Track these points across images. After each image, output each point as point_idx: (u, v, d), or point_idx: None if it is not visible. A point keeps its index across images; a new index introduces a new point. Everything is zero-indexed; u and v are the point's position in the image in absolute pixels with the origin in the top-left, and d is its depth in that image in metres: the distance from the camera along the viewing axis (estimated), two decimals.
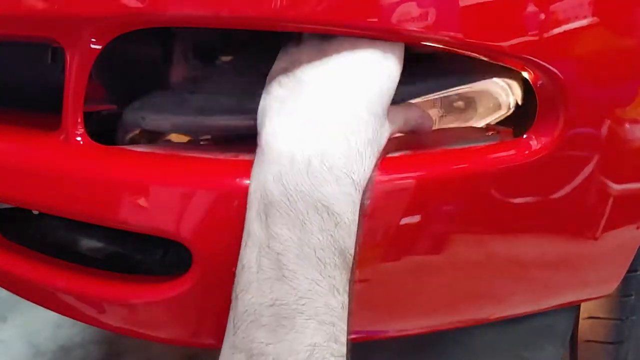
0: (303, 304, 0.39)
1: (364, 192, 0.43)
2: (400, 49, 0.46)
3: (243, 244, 0.42)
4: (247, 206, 0.43)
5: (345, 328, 0.41)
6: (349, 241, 0.41)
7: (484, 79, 0.54)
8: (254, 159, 0.46)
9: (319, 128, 0.42)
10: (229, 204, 0.45)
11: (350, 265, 0.42)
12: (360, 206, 0.43)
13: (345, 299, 0.41)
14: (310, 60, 0.45)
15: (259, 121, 0.45)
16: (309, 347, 0.38)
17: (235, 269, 0.42)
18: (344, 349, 0.40)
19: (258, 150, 0.44)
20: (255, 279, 0.40)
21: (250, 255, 0.41)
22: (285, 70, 0.46)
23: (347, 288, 0.41)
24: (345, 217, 0.41)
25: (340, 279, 0.41)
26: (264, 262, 0.40)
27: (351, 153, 0.42)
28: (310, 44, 0.46)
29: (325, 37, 0.46)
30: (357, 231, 0.42)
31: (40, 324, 1.31)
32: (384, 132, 0.46)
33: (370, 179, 0.44)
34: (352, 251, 0.41)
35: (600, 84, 0.51)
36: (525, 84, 0.54)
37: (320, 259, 0.40)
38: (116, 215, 0.48)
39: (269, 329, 0.39)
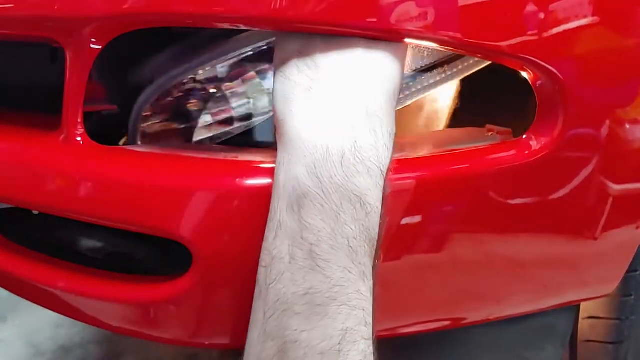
0: (336, 292, 0.40)
1: (385, 181, 0.44)
2: (406, 46, 0.48)
3: (271, 235, 0.42)
4: (274, 198, 0.43)
5: (372, 311, 0.42)
6: (377, 229, 0.43)
7: None
8: (254, 159, 0.46)
9: (349, 120, 0.43)
10: (229, 203, 0.45)
11: (376, 251, 0.43)
12: (383, 193, 0.44)
13: (371, 283, 0.42)
14: (327, 45, 0.45)
15: (279, 107, 0.45)
16: (341, 332, 0.40)
17: (260, 260, 0.43)
18: (372, 331, 0.42)
19: (283, 140, 0.44)
20: (288, 269, 0.41)
21: (281, 247, 0.41)
22: (300, 54, 0.45)
23: (372, 273, 0.43)
24: (375, 207, 0.42)
25: (369, 266, 0.42)
26: (297, 252, 0.40)
27: (379, 144, 0.43)
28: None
29: None
30: (381, 217, 0.43)
31: (40, 323, 1.31)
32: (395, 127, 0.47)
33: (388, 168, 0.45)
34: (377, 238, 0.43)
35: (600, 84, 0.51)
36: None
37: (352, 248, 0.41)
38: (116, 215, 0.48)
39: (302, 317, 0.40)
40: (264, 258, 0.42)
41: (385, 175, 0.44)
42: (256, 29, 0.50)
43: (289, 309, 0.40)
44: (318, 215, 0.41)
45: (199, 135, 0.58)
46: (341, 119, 0.43)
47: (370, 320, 0.42)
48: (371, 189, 0.42)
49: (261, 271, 0.42)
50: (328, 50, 0.45)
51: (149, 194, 0.47)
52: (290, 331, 0.40)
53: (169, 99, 0.56)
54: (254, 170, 0.45)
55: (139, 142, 0.56)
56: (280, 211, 0.42)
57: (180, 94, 0.56)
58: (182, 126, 0.58)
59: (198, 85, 0.56)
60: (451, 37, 0.45)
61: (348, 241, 0.41)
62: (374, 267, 0.43)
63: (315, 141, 0.42)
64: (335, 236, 0.40)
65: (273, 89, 0.46)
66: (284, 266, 0.41)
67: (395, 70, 0.46)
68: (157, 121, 0.57)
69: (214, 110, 0.57)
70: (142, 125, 0.56)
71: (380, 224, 0.43)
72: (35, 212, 0.63)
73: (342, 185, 0.41)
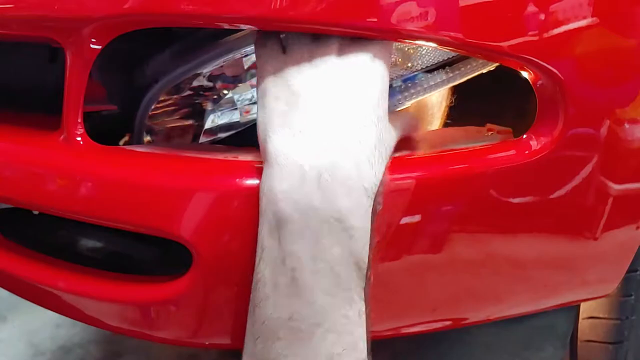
0: (320, 318, 0.39)
1: (376, 197, 0.43)
2: (389, 48, 0.46)
3: (257, 257, 0.42)
4: (259, 221, 0.42)
5: (364, 333, 0.41)
6: (363, 251, 0.41)
7: None
8: (253, 159, 0.46)
9: (325, 140, 0.41)
10: (229, 204, 0.45)
11: (365, 272, 0.41)
12: (373, 211, 0.42)
13: (361, 306, 0.41)
14: (300, 65, 0.44)
15: (261, 136, 0.44)
16: (326, 357, 0.39)
17: (253, 278, 0.42)
18: (364, 354, 0.41)
19: (265, 165, 0.43)
20: (272, 294, 0.40)
21: (264, 271, 0.41)
22: (275, 78, 0.44)
23: (362, 295, 0.41)
24: (360, 228, 0.40)
25: (356, 288, 0.40)
26: (279, 278, 0.40)
27: (360, 161, 0.41)
28: (297, 48, 0.45)
29: (314, 38, 0.45)
30: (370, 236, 0.42)
31: (39, 323, 1.31)
32: (390, 135, 0.45)
33: (381, 183, 0.43)
34: (366, 259, 0.41)
35: (600, 84, 0.51)
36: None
37: (336, 273, 0.39)
38: (116, 215, 0.48)
39: (286, 342, 0.39)
40: (254, 279, 0.42)
41: (373, 191, 0.42)
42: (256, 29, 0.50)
43: (274, 333, 0.39)
44: (298, 241, 0.40)
45: (206, 134, 0.57)
46: (316, 140, 0.41)
47: (362, 343, 0.41)
48: (354, 210, 0.40)
49: (252, 291, 0.42)
50: (300, 70, 0.43)
51: (148, 194, 0.47)
52: (275, 355, 0.39)
53: (179, 96, 0.56)
54: (254, 170, 0.45)
55: (147, 139, 0.56)
56: (263, 236, 0.41)
57: (190, 92, 0.56)
58: (191, 123, 0.58)
59: (207, 83, 0.56)
60: (452, 38, 0.45)
61: (330, 266, 0.39)
62: (366, 288, 0.42)
63: (292, 164, 0.40)
64: (316, 261, 0.39)
65: (257, 117, 0.45)
66: (268, 290, 0.40)
67: (377, 73, 0.44)
68: (166, 118, 0.57)
69: (221, 110, 0.57)
70: (151, 122, 0.56)
71: (370, 243, 0.42)
72: (35, 212, 0.63)
73: (321, 209, 0.39)
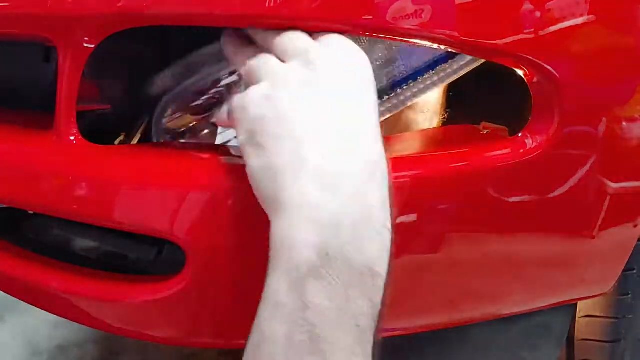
0: None
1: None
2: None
3: (265, 312, 0.37)
4: (271, 273, 0.37)
5: None
6: (381, 298, 0.37)
7: None
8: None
9: (351, 182, 0.37)
10: (224, 203, 0.45)
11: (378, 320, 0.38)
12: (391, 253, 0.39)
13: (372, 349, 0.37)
14: (275, 125, 0.39)
15: (265, 185, 0.39)
16: None
17: (250, 334, 0.37)
18: None
19: (280, 208, 0.38)
20: (282, 352, 0.35)
21: (275, 327, 0.36)
22: (250, 139, 0.40)
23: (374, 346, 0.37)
24: (384, 275, 0.37)
25: (372, 343, 0.37)
26: (295, 334, 0.35)
27: (384, 198, 0.38)
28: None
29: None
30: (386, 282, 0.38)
31: (37, 323, 1.31)
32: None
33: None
34: (380, 307, 0.37)
35: (596, 82, 0.51)
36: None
37: (360, 327, 0.36)
38: (110, 215, 0.48)
39: None
40: (254, 335, 0.37)
41: (392, 232, 0.38)
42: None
43: None
44: (325, 294, 0.35)
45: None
46: (346, 178, 0.37)
47: None
48: (382, 256, 0.37)
49: (249, 348, 0.37)
50: (269, 133, 0.38)
51: (142, 194, 0.47)
52: None
53: (196, 98, 0.55)
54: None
55: (162, 139, 0.54)
56: (279, 291, 0.36)
57: (211, 95, 0.55)
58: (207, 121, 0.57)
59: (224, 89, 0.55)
60: (448, 36, 0.45)
61: (356, 320, 0.36)
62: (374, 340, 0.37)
63: (323, 211, 0.36)
64: (342, 316, 0.35)
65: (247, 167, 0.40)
66: (278, 348, 0.35)
67: (371, 96, 0.40)
68: (182, 117, 0.56)
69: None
70: (167, 121, 0.55)
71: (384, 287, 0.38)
72: (29, 212, 0.63)
73: (354, 259, 0.36)
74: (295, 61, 0.41)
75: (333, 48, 0.41)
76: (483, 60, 0.53)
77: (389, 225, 0.38)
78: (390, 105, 0.55)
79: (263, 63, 0.42)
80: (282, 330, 0.36)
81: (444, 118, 0.60)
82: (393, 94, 0.55)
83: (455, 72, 0.54)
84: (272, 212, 0.39)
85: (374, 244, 0.37)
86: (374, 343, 0.37)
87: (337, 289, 0.35)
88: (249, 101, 0.40)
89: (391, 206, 0.39)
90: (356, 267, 0.36)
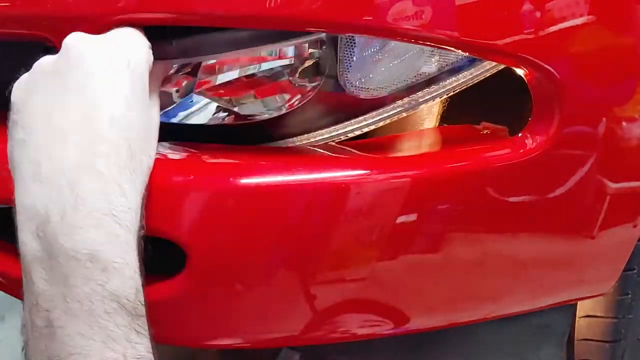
0: None
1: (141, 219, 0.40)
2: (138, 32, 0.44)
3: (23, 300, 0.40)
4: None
5: None
6: (124, 285, 0.38)
7: None
8: (250, 160, 0.46)
9: (63, 170, 0.38)
10: (223, 203, 0.45)
11: (139, 308, 0.38)
12: (138, 239, 0.39)
13: (129, 347, 0.37)
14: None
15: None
16: None
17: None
18: None
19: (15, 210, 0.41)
20: (31, 337, 0.38)
21: (25, 312, 0.39)
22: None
23: (131, 336, 0.37)
24: (117, 261, 0.38)
25: (119, 328, 0.37)
26: (36, 320, 0.38)
27: (109, 186, 0.38)
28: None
29: None
30: (139, 268, 0.39)
31: None
32: (149, 132, 0.43)
33: (143, 203, 0.41)
34: (132, 295, 0.38)
35: (596, 82, 0.51)
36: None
37: (89, 312, 0.37)
38: None
39: None
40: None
41: (129, 219, 0.39)
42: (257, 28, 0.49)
43: None
44: (48, 280, 0.37)
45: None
46: (54, 173, 0.38)
47: None
48: (105, 243, 0.37)
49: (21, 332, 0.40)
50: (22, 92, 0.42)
51: None
52: None
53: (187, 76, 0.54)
54: (247, 169, 0.45)
55: None
56: (23, 277, 0.39)
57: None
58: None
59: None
60: (448, 36, 0.45)
61: (82, 304, 0.36)
62: (140, 325, 0.38)
63: (36, 205, 0.38)
64: (66, 300, 0.37)
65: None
66: (28, 333, 0.38)
67: (120, 66, 0.41)
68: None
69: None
70: None
71: (140, 274, 0.38)
72: None
73: (65, 245, 0.37)
74: (57, 55, 0.43)
75: (97, 43, 0.42)
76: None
77: (119, 213, 0.38)
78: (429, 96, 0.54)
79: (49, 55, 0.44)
80: (27, 314, 0.38)
81: (444, 116, 0.60)
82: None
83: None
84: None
85: (89, 231, 0.37)
86: (137, 330, 0.38)
87: (57, 274, 0.37)
88: (16, 83, 0.43)
89: (140, 198, 0.40)
90: (71, 254, 0.37)
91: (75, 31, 0.43)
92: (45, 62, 0.43)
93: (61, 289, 0.37)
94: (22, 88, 0.43)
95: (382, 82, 0.51)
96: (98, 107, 0.40)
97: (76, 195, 0.38)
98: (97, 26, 0.46)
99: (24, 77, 0.43)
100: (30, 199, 0.39)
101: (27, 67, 0.44)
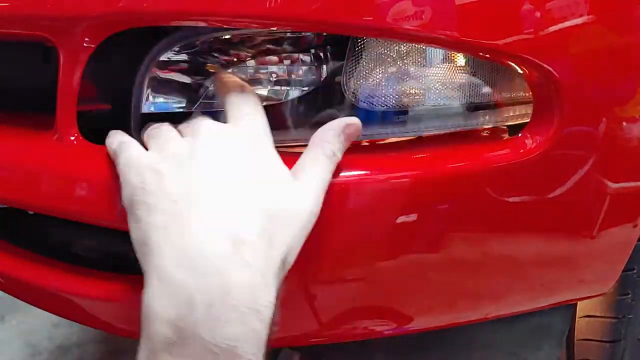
0: None
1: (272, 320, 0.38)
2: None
3: None
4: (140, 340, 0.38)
5: None
6: None
7: None
8: None
9: (210, 262, 0.36)
10: None
11: None
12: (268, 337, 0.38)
13: None
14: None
15: (139, 251, 0.40)
16: None
17: None
18: None
19: (146, 280, 0.39)
20: None
21: None
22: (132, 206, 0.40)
23: None
24: (248, 355, 0.36)
25: None
26: None
27: (255, 279, 0.37)
28: None
29: None
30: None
31: (37, 323, 1.31)
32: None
33: (276, 306, 0.38)
34: None
35: (596, 82, 0.51)
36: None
37: None
38: (111, 215, 0.48)
39: None
40: None
41: (268, 314, 0.37)
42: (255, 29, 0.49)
43: None
44: None
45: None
46: (205, 258, 0.36)
47: None
48: (245, 339, 0.36)
49: None
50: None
51: None
52: None
53: (189, 52, 0.53)
54: None
55: (149, 91, 0.53)
56: (141, 356, 0.38)
57: (202, 52, 0.53)
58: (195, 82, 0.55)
59: (221, 46, 0.53)
60: (448, 36, 0.45)
61: None
62: None
63: (180, 287, 0.36)
64: None
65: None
66: None
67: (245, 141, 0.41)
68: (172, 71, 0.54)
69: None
70: (156, 73, 0.53)
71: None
72: (30, 212, 0.63)
73: (206, 338, 0.35)
74: (186, 138, 0.42)
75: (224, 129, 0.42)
76: None
77: (262, 308, 0.37)
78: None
79: (163, 132, 0.43)
80: None
81: None
82: None
83: None
84: (144, 281, 0.39)
85: (233, 326, 0.36)
86: None
87: None
88: (135, 165, 0.41)
89: (279, 286, 0.39)
90: (209, 347, 0.35)
91: (76, 31, 0.43)
92: (173, 146, 0.41)
93: None
94: (146, 173, 0.40)
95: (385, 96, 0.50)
96: (239, 194, 0.39)
97: (228, 285, 0.36)
98: (98, 27, 0.46)
99: (146, 161, 0.41)
100: (172, 288, 0.37)
101: (28, 67, 0.44)
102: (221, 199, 0.38)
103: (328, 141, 0.43)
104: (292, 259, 0.41)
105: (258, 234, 0.38)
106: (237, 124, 0.42)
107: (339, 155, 0.44)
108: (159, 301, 0.37)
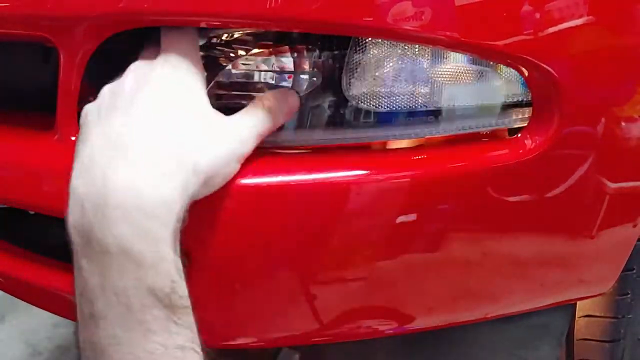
0: (113, 350, 0.37)
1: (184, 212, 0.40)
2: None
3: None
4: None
5: None
6: (160, 279, 0.38)
7: None
8: (249, 160, 0.45)
9: (99, 161, 0.39)
10: (222, 205, 0.45)
11: (176, 300, 0.38)
12: (174, 232, 0.39)
13: (168, 338, 0.38)
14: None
15: None
16: None
17: None
18: None
19: None
20: (80, 323, 0.40)
21: (76, 298, 0.40)
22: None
23: (170, 327, 0.38)
24: (152, 256, 0.38)
25: (157, 320, 0.38)
26: (83, 308, 0.39)
27: (138, 180, 0.38)
28: None
29: None
30: (175, 260, 0.39)
31: (37, 323, 1.31)
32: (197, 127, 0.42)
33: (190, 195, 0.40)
34: (167, 288, 0.38)
35: (595, 82, 0.51)
36: None
37: (126, 305, 0.37)
38: None
39: None
40: None
41: (165, 214, 0.38)
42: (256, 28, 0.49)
43: (83, 355, 0.39)
44: (90, 272, 0.38)
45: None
46: (93, 163, 0.39)
47: None
48: (138, 239, 0.37)
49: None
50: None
51: None
52: None
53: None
54: (246, 170, 0.45)
55: None
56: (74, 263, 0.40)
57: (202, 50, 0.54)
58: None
59: (220, 46, 0.54)
60: (448, 37, 0.45)
61: (118, 297, 0.37)
62: (180, 316, 0.38)
63: (76, 196, 0.39)
64: (105, 293, 0.37)
65: None
66: (78, 320, 0.40)
67: None
68: None
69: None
70: None
71: (176, 267, 0.39)
72: (30, 212, 0.63)
73: (100, 238, 0.37)
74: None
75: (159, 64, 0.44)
76: None
77: (151, 209, 0.38)
78: None
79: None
80: (77, 303, 0.39)
81: None
82: None
83: None
84: None
85: (118, 223, 0.37)
86: (176, 322, 0.38)
87: (96, 267, 0.38)
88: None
89: (193, 195, 0.40)
90: (104, 247, 0.37)
91: (76, 31, 0.43)
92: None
93: (100, 281, 0.38)
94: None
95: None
96: (132, 120, 0.41)
97: (103, 184, 0.38)
98: (98, 27, 0.46)
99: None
100: (73, 198, 0.39)
101: (28, 67, 0.44)
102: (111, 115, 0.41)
103: (267, 98, 0.46)
104: (218, 179, 0.43)
105: (150, 136, 0.40)
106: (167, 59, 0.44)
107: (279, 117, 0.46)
108: (70, 212, 0.40)
